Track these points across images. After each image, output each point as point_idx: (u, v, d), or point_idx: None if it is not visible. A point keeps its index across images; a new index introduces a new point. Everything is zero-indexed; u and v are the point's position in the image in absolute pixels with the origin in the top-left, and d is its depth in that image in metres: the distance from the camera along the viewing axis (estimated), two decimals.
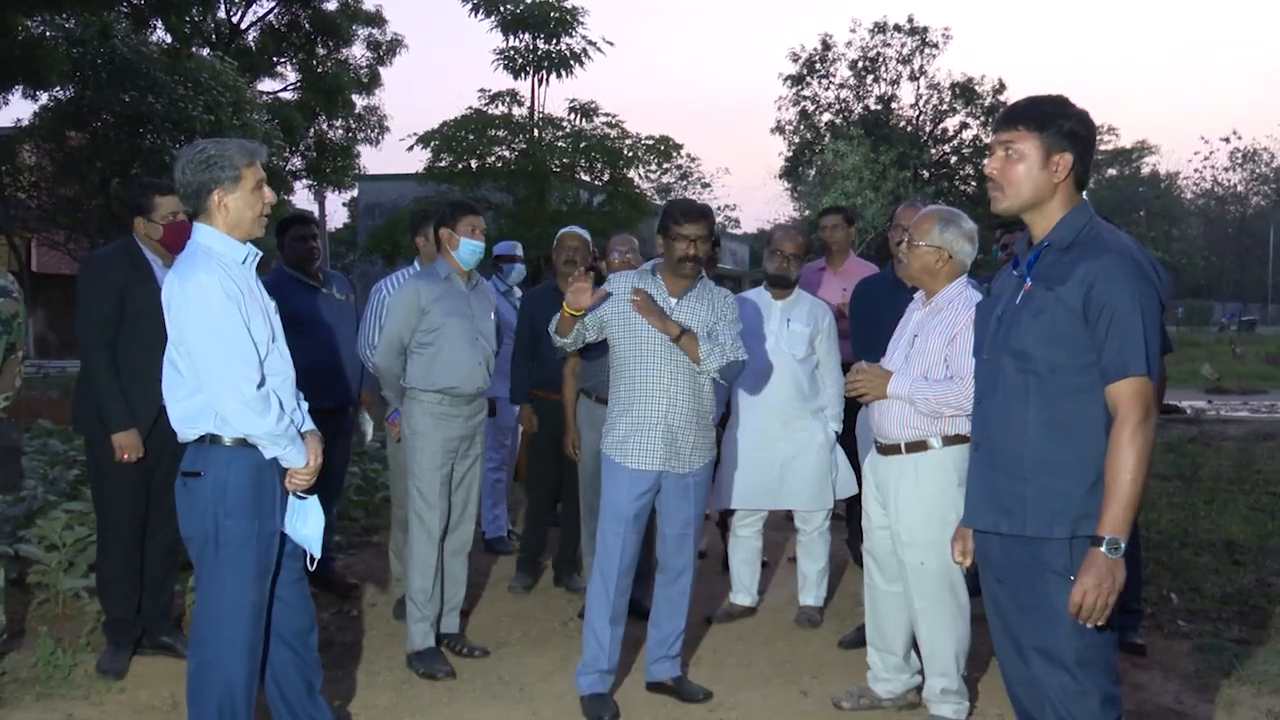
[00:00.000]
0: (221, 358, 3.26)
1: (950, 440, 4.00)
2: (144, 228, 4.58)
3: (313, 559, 3.54)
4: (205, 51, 28.14)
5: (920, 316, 4.18)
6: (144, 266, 4.55)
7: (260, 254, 3.48)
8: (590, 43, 19.98)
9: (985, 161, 2.91)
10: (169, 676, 4.50)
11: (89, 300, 4.50)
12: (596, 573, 4.34)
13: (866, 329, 5.03)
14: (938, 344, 4.04)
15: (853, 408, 5.53)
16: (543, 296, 5.96)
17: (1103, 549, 2.61)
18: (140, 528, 4.62)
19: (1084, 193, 2.86)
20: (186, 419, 3.36)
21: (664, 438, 4.31)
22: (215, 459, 3.33)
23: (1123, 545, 2.61)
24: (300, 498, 3.47)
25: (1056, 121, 2.76)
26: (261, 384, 3.31)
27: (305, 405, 3.57)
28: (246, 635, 3.38)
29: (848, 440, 5.51)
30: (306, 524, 3.48)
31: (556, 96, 65.49)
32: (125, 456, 4.43)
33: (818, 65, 43.99)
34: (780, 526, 6.41)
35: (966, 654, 4.17)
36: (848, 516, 5.93)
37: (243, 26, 31.38)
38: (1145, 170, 60.46)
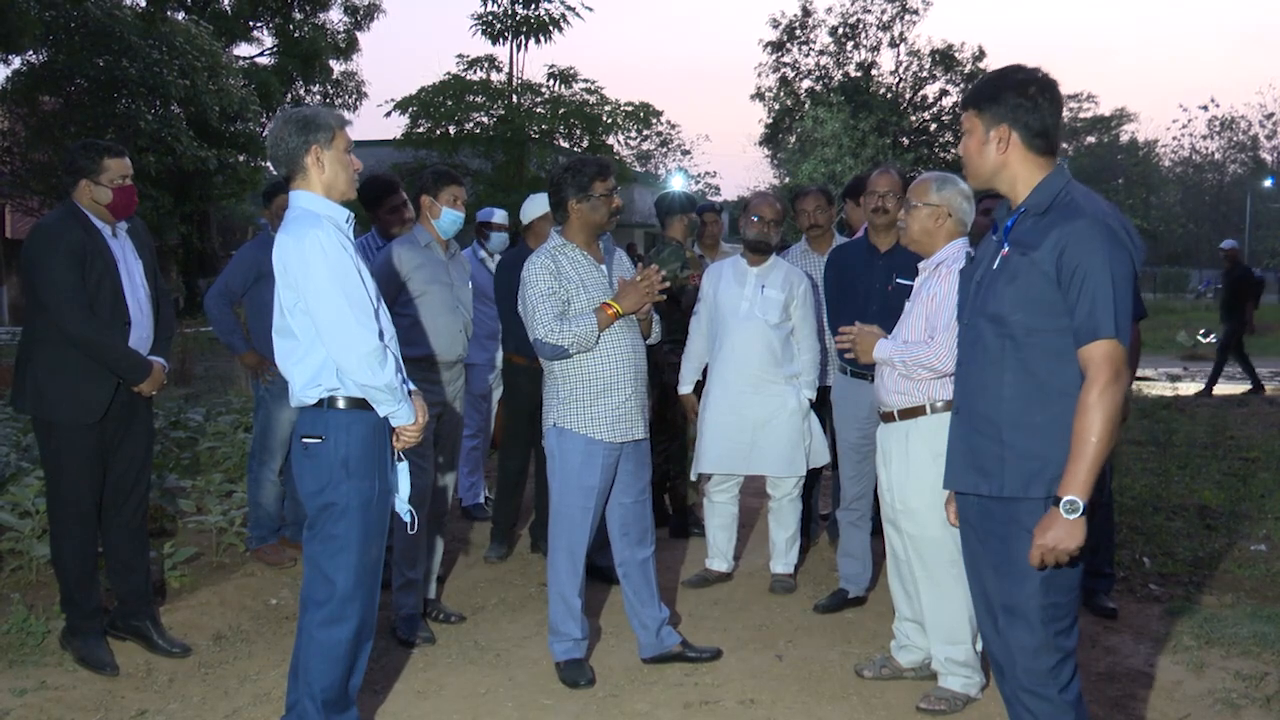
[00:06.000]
0: (346, 310, 3.26)
1: (946, 406, 3.93)
2: (90, 191, 4.27)
3: (412, 524, 3.59)
4: (180, 15, 27.85)
5: (919, 281, 4.17)
6: (96, 233, 4.27)
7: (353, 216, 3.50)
8: (569, 7, 19.89)
9: None
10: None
11: (53, 272, 4.17)
12: (564, 547, 4.31)
13: (842, 296, 5.03)
14: (922, 307, 4.05)
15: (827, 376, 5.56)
16: (519, 265, 5.88)
17: (1060, 509, 2.66)
18: (98, 507, 4.41)
19: (1058, 158, 2.88)
20: (304, 383, 3.35)
21: (638, 406, 4.35)
22: (335, 422, 3.35)
23: (1081, 505, 2.65)
24: (397, 460, 3.52)
25: (992, 97, 2.86)
26: (380, 337, 3.34)
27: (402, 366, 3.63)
28: (363, 595, 3.41)
29: (826, 410, 5.52)
30: (399, 487, 3.54)
31: (535, 62, 65.11)
32: (150, 392, 4.39)
33: (798, 31, 43.78)
34: (760, 492, 6.43)
35: (976, 625, 3.99)
36: (807, 486, 5.88)
37: None
38: (1124, 138, 60.53)
